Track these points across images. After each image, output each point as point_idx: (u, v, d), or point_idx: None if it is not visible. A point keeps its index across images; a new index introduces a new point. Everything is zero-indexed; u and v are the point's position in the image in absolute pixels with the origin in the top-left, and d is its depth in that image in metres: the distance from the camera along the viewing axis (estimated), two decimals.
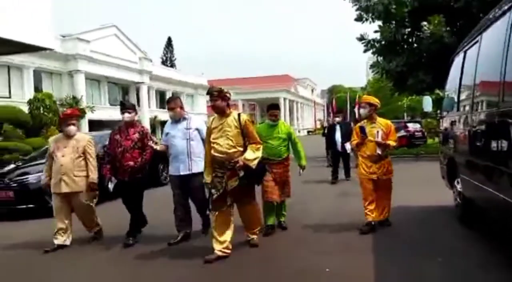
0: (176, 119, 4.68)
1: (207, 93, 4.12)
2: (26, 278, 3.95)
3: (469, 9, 12.24)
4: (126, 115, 4.73)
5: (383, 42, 14.77)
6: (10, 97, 23.04)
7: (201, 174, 4.37)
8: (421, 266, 3.53)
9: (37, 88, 24.70)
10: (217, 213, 4.03)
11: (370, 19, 14.78)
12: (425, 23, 12.54)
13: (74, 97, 25.15)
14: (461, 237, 4.36)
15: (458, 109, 4.82)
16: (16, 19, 11.20)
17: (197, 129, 4.64)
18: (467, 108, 4.37)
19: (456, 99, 4.92)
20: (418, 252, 3.93)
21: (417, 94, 17.34)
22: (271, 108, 5.06)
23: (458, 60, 5.05)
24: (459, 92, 4.79)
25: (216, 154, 4.03)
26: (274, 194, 4.81)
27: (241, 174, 3.93)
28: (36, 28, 12.15)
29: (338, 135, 9.30)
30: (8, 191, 6.35)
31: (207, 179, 4.15)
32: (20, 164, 7.28)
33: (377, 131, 4.74)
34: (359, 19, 14.98)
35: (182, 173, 4.56)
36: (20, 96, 23.37)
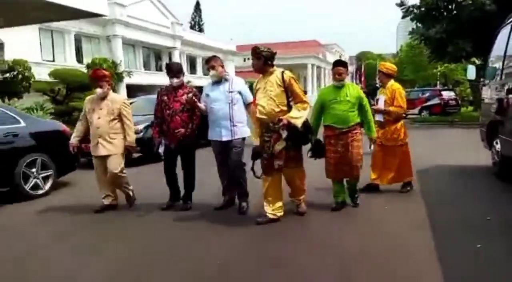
0: (217, 80, 4.32)
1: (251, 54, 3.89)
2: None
3: None
4: (175, 80, 4.42)
5: (422, 9, 14.75)
6: (54, 60, 24.19)
7: (243, 139, 4.28)
8: (469, 209, 4.25)
9: (78, 53, 25.80)
10: (267, 176, 3.94)
11: None
12: None
13: (113, 62, 26.11)
14: (499, 188, 5.04)
15: (501, 78, 5.33)
16: None
17: (239, 92, 4.29)
18: (510, 76, 4.90)
19: (500, 69, 5.41)
20: (466, 200, 4.64)
21: (455, 62, 17.34)
22: (337, 65, 4.28)
23: (504, 32, 5.48)
24: (504, 62, 5.27)
25: (260, 116, 3.84)
26: (339, 171, 4.24)
27: (285, 134, 3.74)
28: None
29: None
30: None
31: (255, 140, 3.99)
32: None
33: (377, 99, 4.92)
34: None
35: (224, 139, 4.25)
36: (63, 60, 24.53)
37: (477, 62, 15.92)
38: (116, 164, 4.41)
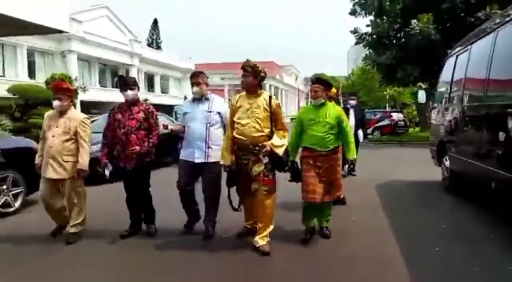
0: (198, 98, 4.12)
1: (242, 67, 3.69)
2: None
3: (455, 9, 13.50)
4: (129, 92, 4.13)
5: (374, 36, 15.90)
6: (4, 75, 23.14)
7: (217, 163, 3.94)
8: (425, 219, 4.72)
9: (30, 68, 24.87)
10: (246, 201, 3.89)
11: (363, 14, 15.91)
12: (414, 20, 13.68)
13: (69, 77, 25.36)
14: (449, 200, 5.60)
15: (449, 102, 6.00)
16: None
17: (219, 113, 4.08)
18: (457, 101, 5.55)
19: (447, 94, 6.09)
20: (422, 211, 5.13)
21: (404, 86, 18.68)
22: (313, 82, 4.08)
23: (450, 62, 6.21)
24: (451, 88, 5.95)
25: (239, 136, 3.67)
26: (315, 193, 3.88)
27: (265, 160, 3.64)
28: (52, 9, 12.65)
29: (352, 121, 7.28)
30: None
31: (226, 161, 3.77)
32: None
33: None
34: (353, 13, 16.09)
35: (196, 161, 4.00)
36: (14, 75, 23.52)
37: (423, 86, 17.29)
38: (72, 190, 4.07)
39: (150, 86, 38.75)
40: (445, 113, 6.10)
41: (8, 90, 14.83)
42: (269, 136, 3.66)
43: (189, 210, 4.27)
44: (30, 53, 25.31)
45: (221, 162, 3.80)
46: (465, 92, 5.26)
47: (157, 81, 39.33)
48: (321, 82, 4.00)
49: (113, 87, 33.73)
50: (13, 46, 23.83)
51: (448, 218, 4.76)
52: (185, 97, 22.88)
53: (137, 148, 4.03)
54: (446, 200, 5.69)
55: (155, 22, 57.81)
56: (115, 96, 32.44)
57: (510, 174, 3.68)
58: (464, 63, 5.36)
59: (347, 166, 4.63)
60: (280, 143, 3.66)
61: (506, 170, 3.77)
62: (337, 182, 4.04)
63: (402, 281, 3.04)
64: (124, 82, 4.24)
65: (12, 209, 5.12)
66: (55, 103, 4.08)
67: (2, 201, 5.08)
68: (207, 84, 4.15)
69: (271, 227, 3.78)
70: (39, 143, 4.33)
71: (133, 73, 34.40)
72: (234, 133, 3.71)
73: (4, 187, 5.07)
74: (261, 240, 3.68)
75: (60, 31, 13.64)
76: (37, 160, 4.20)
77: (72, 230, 4.10)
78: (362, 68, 31.28)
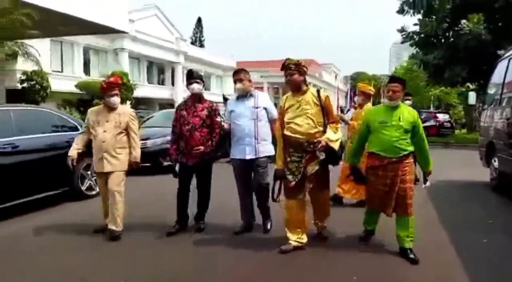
0: (243, 95, 4.13)
1: (282, 68, 3.63)
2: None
3: (509, 8, 13.17)
4: (196, 86, 4.17)
5: (422, 35, 15.76)
6: (62, 71, 24.82)
7: (267, 157, 4.07)
8: (473, 214, 4.96)
9: (85, 65, 26.52)
10: (292, 201, 3.66)
11: (411, 13, 15.81)
12: (464, 21, 13.49)
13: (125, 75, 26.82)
14: (497, 199, 5.76)
15: (500, 104, 6.12)
16: (95, 2, 12.70)
17: (265, 108, 4.10)
18: (507, 103, 5.69)
19: (499, 96, 6.21)
20: (468, 207, 5.36)
21: (451, 87, 18.34)
22: (391, 81, 3.69)
23: (502, 65, 6.31)
24: (502, 90, 6.07)
25: (293, 135, 3.58)
26: (384, 207, 3.59)
27: (322, 156, 3.54)
28: (113, 11, 13.67)
29: None
30: None
31: (279, 164, 3.71)
32: None
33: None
34: (401, 11, 16.01)
35: (248, 157, 4.03)
36: (70, 71, 25.18)
37: (472, 87, 16.93)
38: (118, 182, 4.11)
39: None
40: (495, 114, 6.22)
41: (76, 86, 16.08)
42: (323, 132, 3.57)
43: (245, 212, 4.26)
44: (86, 51, 26.95)
45: (276, 167, 3.75)
46: None
47: None
48: (399, 81, 3.66)
49: (159, 84, 35.20)
50: (71, 44, 25.47)
51: (496, 214, 4.96)
52: (224, 97, 23.32)
53: (202, 147, 4.06)
54: (493, 199, 5.86)
55: (199, 20, 59.31)
56: (162, 93, 34.00)
57: None
58: None
59: (428, 182, 3.79)
60: (335, 137, 3.54)
61: None
62: (407, 193, 3.50)
63: (455, 264, 3.34)
64: (190, 75, 4.23)
65: (94, 192, 5.83)
66: (114, 99, 4.12)
67: (87, 185, 5.85)
68: (250, 81, 4.12)
69: (329, 215, 3.95)
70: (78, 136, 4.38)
71: (178, 70, 35.64)
72: (287, 132, 3.62)
73: (88, 172, 5.82)
74: (323, 228, 3.95)
75: (122, 32, 14.77)
76: (71, 152, 4.21)
77: (116, 226, 4.06)
78: (406, 67, 30.63)
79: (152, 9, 32.14)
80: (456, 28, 14.52)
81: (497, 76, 6.51)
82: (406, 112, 3.58)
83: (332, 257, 3.55)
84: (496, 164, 6.14)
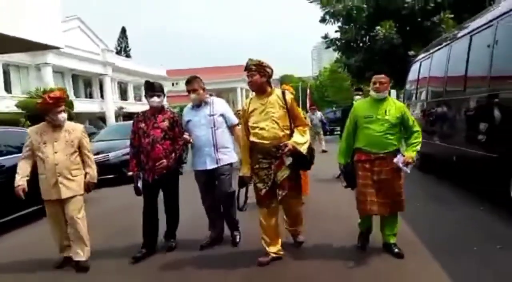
0: (198, 104, 3.96)
1: (245, 68, 3.41)
2: None
3: (413, 15, 15.27)
4: (155, 99, 3.88)
5: (343, 41, 17.51)
6: None
7: (230, 164, 3.94)
8: None
9: (6, 81, 24.92)
10: (263, 209, 3.52)
11: (332, 21, 17.50)
12: (378, 27, 15.35)
13: (44, 90, 25.55)
14: (421, 177, 7.05)
15: (416, 98, 7.48)
16: (26, 17, 12.30)
17: (222, 115, 3.92)
18: (423, 97, 7.03)
19: (414, 92, 7.57)
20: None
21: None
22: (379, 73, 3.61)
23: (415, 66, 7.71)
24: (417, 87, 7.43)
25: (259, 141, 3.40)
26: (373, 204, 3.39)
27: (289, 161, 3.37)
28: (46, 26, 13.25)
29: None
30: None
31: (245, 171, 3.51)
32: None
33: None
34: (323, 21, 17.64)
35: (209, 167, 3.87)
36: None
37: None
38: (79, 208, 3.71)
39: (124, 94, 39.12)
40: (413, 107, 7.59)
41: (17, 106, 15.66)
42: (290, 136, 3.41)
43: (215, 225, 4.10)
44: (5, 67, 25.31)
45: (240, 174, 3.56)
46: (429, 90, 6.73)
47: (130, 89, 39.69)
48: (385, 73, 3.55)
49: (86, 97, 33.94)
50: None
51: (425, 188, 6.19)
52: (121, 108, 23.62)
53: (165, 161, 3.79)
54: (420, 176, 7.11)
55: (123, 30, 57.74)
56: (91, 107, 32.85)
57: (465, 149, 5.13)
58: (427, 68, 6.86)
59: (409, 166, 3.42)
60: (302, 140, 3.38)
61: (464, 146, 5.22)
62: (400, 190, 3.44)
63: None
64: (150, 87, 3.93)
65: None
66: (62, 115, 3.69)
67: None
68: (204, 89, 3.97)
69: (303, 223, 3.82)
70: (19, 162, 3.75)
71: (107, 82, 34.68)
72: (253, 138, 3.45)
73: None
74: (297, 235, 3.84)
75: (56, 47, 14.37)
76: (19, 181, 3.64)
77: (81, 257, 3.68)
78: (331, 69, 33.18)
79: (75, 21, 30.98)
80: (372, 34, 16.35)
81: (412, 75, 7.92)
82: (393, 106, 3.45)
83: (320, 265, 3.39)
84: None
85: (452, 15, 14.01)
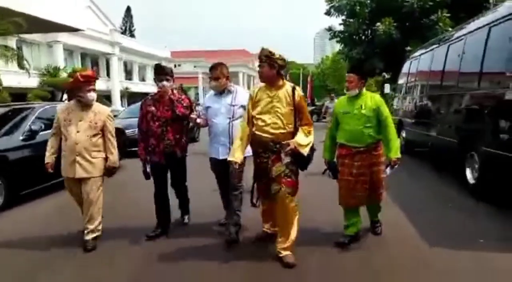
0: (220, 92, 3.89)
1: (259, 58, 3.32)
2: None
3: (413, 13, 16.26)
4: (165, 83, 3.84)
5: (346, 34, 18.54)
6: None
7: (244, 158, 3.63)
8: None
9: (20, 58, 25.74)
10: (265, 202, 3.57)
11: (337, 15, 18.51)
12: (378, 23, 16.36)
13: (55, 67, 26.44)
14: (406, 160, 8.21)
15: (406, 92, 8.65)
16: (54, 1, 13.24)
17: (243, 106, 3.73)
18: (413, 91, 8.21)
19: (405, 86, 8.73)
20: None
21: (371, 77, 21.56)
22: (348, 71, 3.73)
23: (406, 64, 8.85)
24: (407, 81, 8.58)
25: (259, 133, 3.32)
26: (353, 198, 3.56)
27: (287, 159, 3.25)
28: (71, 10, 14.24)
29: None
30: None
31: (237, 157, 3.31)
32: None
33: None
34: (327, 13, 18.68)
35: (221, 157, 3.78)
36: (2, 65, 24.36)
37: (387, 76, 20.17)
38: (96, 190, 3.71)
39: (128, 74, 39.93)
40: (403, 100, 8.78)
41: (45, 83, 16.56)
42: (293, 133, 3.29)
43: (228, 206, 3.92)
44: (18, 45, 26.05)
45: (230, 158, 3.37)
46: (418, 84, 7.89)
47: (135, 69, 40.46)
48: (356, 71, 3.61)
49: None
50: (3, 38, 24.53)
51: (410, 173, 7.35)
52: (126, 88, 23.95)
53: (174, 143, 3.85)
54: (404, 160, 8.25)
55: (128, 10, 57.98)
56: (96, 85, 33.46)
57: (438, 136, 6.33)
58: (417, 65, 7.99)
59: (388, 168, 3.57)
60: (305, 141, 3.27)
61: (437, 134, 6.42)
62: (380, 183, 3.62)
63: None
64: (160, 71, 3.88)
65: None
66: (91, 95, 3.69)
67: None
68: (227, 77, 3.88)
69: (294, 235, 3.31)
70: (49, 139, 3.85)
71: (113, 62, 35.47)
72: (254, 130, 3.36)
73: None
74: (284, 251, 3.28)
75: (78, 30, 15.35)
76: (48, 158, 3.78)
77: (91, 235, 3.70)
78: (333, 58, 34.10)
79: (85, 0, 31.59)
80: (373, 28, 17.35)
81: (404, 72, 9.03)
82: (369, 100, 3.54)
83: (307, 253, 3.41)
84: (404, 134, 8.65)
85: (449, 15, 15.05)
